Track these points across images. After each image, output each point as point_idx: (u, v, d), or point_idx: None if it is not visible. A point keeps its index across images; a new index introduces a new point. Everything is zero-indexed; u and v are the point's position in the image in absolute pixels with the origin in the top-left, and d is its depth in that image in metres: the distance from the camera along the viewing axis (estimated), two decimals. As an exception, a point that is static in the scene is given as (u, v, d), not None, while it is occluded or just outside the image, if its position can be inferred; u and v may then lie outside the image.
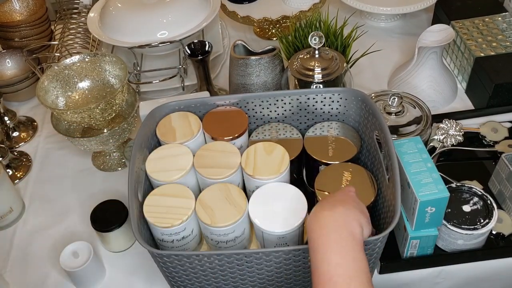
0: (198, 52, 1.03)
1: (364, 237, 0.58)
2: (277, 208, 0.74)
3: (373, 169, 0.84)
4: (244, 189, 0.83)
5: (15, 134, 1.17)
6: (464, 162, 1.01)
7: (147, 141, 0.84)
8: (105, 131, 1.02)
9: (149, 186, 0.82)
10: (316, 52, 0.94)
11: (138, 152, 0.79)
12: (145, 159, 0.82)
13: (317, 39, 0.92)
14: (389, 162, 0.74)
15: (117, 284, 0.89)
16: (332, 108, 0.89)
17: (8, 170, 1.08)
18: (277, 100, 0.88)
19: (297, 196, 0.76)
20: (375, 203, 0.80)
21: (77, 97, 1.03)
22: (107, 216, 0.89)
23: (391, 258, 0.85)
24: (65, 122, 1.02)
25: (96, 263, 0.87)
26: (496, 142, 1.02)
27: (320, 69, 0.94)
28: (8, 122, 1.16)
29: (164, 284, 0.83)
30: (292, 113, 0.90)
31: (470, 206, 0.84)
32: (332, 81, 0.94)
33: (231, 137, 0.84)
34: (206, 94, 1.02)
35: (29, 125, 1.20)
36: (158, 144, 0.87)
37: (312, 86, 0.95)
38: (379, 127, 0.79)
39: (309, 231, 0.57)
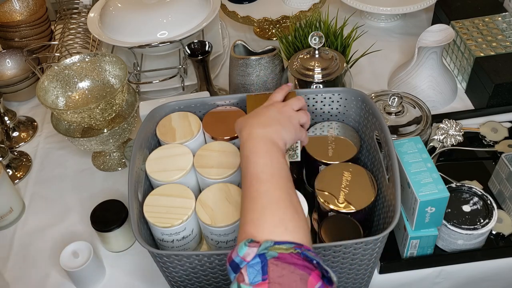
0: (198, 52, 1.03)
1: (289, 143, 0.71)
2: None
3: (373, 169, 0.84)
4: (244, 189, 0.83)
5: (15, 134, 1.17)
6: (464, 162, 1.01)
7: (147, 141, 0.84)
8: (105, 131, 1.02)
9: (149, 186, 0.82)
10: (316, 52, 0.94)
11: (138, 152, 0.79)
12: (145, 159, 0.82)
13: (317, 39, 0.92)
14: (389, 162, 0.74)
15: (117, 284, 0.89)
16: (332, 108, 0.89)
17: (8, 170, 1.08)
18: (277, 100, 0.88)
19: (297, 196, 0.75)
20: (375, 203, 0.80)
21: (77, 97, 1.03)
22: (107, 216, 0.89)
23: (391, 258, 0.85)
24: (65, 122, 1.02)
25: (96, 263, 0.87)
26: (496, 142, 1.01)
27: (320, 69, 0.94)
28: (8, 122, 1.16)
29: (164, 284, 0.82)
30: (292, 113, 0.90)
31: (470, 206, 0.84)
32: (332, 81, 0.94)
33: (231, 137, 0.84)
34: (206, 94, 1.02)
35: (29, 125, 1.20)
36: (158, 144, 0.87)
37: (312, 86, 0.95)
38: (379, 127, 0.79)
39: (242, 142, 0.68)
